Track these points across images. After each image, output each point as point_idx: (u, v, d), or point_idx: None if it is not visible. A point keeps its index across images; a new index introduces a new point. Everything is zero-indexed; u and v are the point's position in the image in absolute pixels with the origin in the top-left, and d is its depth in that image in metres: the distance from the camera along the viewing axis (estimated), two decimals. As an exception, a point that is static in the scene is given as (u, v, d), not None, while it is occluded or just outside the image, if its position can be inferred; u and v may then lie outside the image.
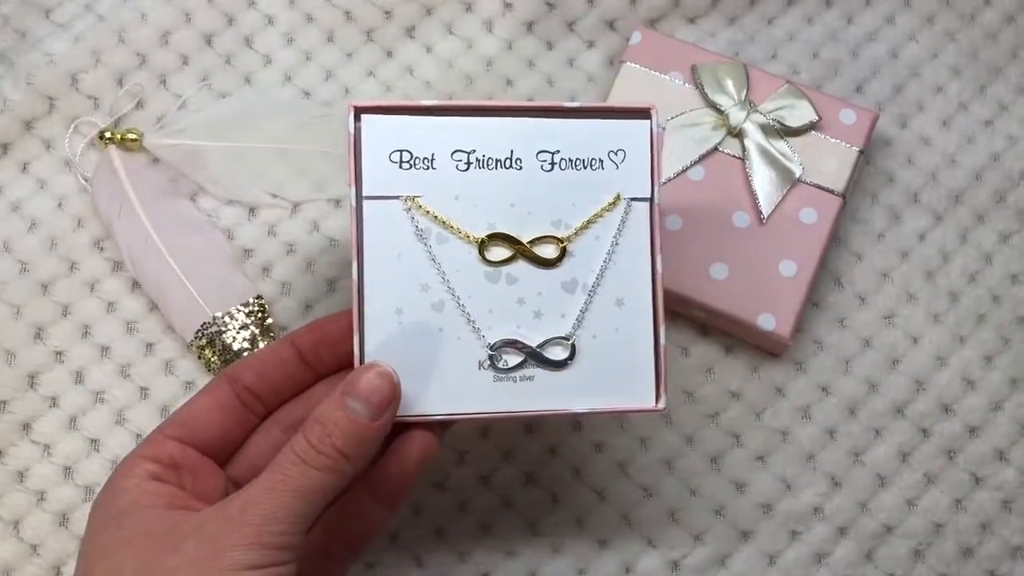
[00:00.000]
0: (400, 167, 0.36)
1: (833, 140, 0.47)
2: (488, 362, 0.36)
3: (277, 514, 0.31)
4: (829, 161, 0.47)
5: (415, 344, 0.36)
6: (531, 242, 0.37)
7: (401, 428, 0.35)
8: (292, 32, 0.51)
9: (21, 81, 0.48)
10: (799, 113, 0.47)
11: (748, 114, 0.46)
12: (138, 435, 0.45)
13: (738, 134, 0.47)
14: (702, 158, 0.46)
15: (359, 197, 0.36)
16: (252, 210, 0.48)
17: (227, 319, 0.45)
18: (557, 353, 0.36)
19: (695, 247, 0.45)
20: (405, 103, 0.37)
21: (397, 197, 0.36)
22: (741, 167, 0.46)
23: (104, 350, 0.46)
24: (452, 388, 0.36)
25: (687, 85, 0.48)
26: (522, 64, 0.51)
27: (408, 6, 0.51)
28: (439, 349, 0.36)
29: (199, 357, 0.45)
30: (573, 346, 0.37)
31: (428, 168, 0.37)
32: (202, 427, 0.36)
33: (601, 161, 0.37)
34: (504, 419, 0.37)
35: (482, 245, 0.36)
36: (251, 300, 0.46)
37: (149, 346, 0.46)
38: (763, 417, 0.46)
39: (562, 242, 0.37)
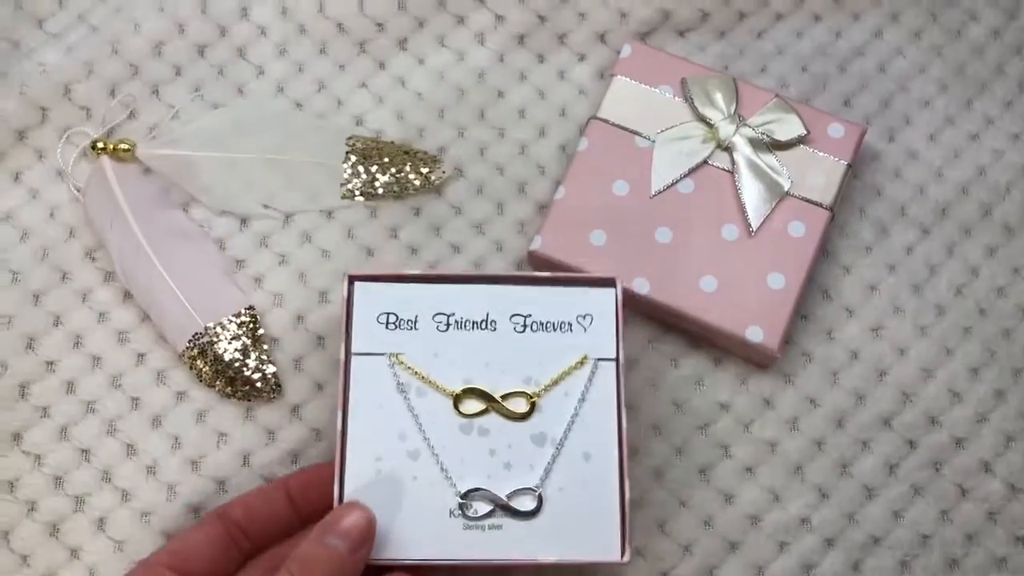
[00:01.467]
0: (387, 327, 0.41)
1: (821, 154, 0.47)
2: (459, 510, 0.39)
3: None
4: (817, 175, 0.47)
5: (391, 490, 0.39)
6: (503, 397, 0.40)
7: (375, 571, 0.37)
8: (285, 43, 0.51)
9: (14, 91, 0.48)
10: (788, 127, 0.47)
11: (737, 128, 0.47)
12: (129, 445, 0.45)
13: (727, 147, 0.47)
14: (692, 171, 0.47)
15: (348, 353, 0.40)
16: (244, 220, 0.48)
17: (219, 329, 0.45)
18: (525, 503, 0.39)
19: (685, 260, 0.45)
20: (394, 273, 0.41)
21: (382, 354, 0.40)
22: (730, 180, 0.47)
23: (96, 360, 0.46)
24: (423, 534, 0.39)
25: (677, 98, 0.48)
26: (514, 76, 0.52)
27: (400, 18, 0.52)
28: (413, 496, 0.39)
29: (191, 367, 0.45)
30: (540, 497, 0.39)
31: (411, 328, 0.41)
32: (194, 559, 0.38)
33: (570, 324, 0.41)
34: (472, 566, 0.39)
35: (457, 399, 0.40)
36: (243, 311, 0.46)
37: (141, 356, 0.46)
38: (751, 428, 0.46)
39: (532, 397, 0.40)
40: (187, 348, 0.45)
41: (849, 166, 0.47)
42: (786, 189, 0.46)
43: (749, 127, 0.47)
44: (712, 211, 0.46)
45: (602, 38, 0.52)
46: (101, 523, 0.44)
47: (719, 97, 0.48)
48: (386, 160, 0.49)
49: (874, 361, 0.47)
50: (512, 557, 0.39)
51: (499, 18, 0.52)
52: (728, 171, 0.47)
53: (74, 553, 0.43)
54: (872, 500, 0.45)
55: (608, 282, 0.41)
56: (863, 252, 0.49)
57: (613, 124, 0.48)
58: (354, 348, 0.40)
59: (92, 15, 0.50)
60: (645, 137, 0.47)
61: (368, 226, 0.48)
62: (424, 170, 0.49)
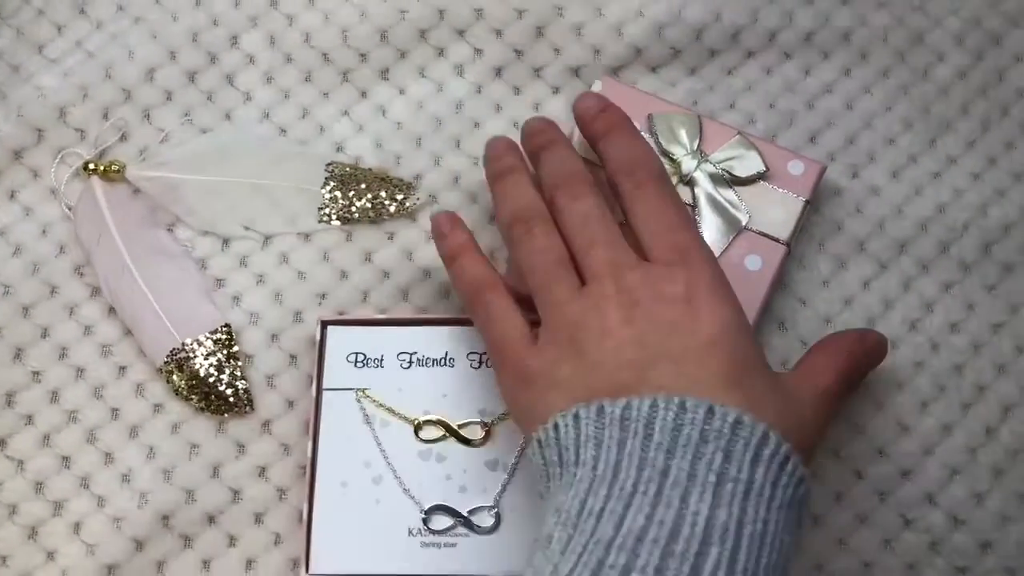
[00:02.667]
0: (355, 366, 0.46)
1: (781, 190, 0.49)
2: (420, 525, 0.43)
3: None
4: (776, 210, 0.49)
5: (356, 512, 0.44)
6: (460, 425, 0.45)
7: None
8: (271, 71, 0.54)
9: (12, 113, 0.51)
10: (748, 163, 0.49)
11: (699, 163, 0.49)
12: (107, 454, 0.47)
13: (689, 182, 0.49)
14: None
15: (319, 389, 0.46)
16: (226, 241, 0.51)
17: (195, 346, 0.47)
18: (484, 520, 0.43)
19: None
20: (363, 317, 0.47)
21: (351, 389, 0.46)
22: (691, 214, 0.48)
23: (79, 371, 0.48)
24: (383, 551, 0.43)
25: (644, 134, 0.49)
26: (490, 107, 0.53)
27: (383, 50, 0.54)
28: (376, 517, 0.44)
29: (167, 381, 0.47)
30: (498, 515, 0.43)
31: (378, 366, 0.46)
32: None
33: None
34: None
35: (417, 427, 0.45)
36: (219, 328, 0.48)
37: (122, 369, 0.48)
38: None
39: (487, 426, 0.45)
40: (165, 363, 0.47)
41: (807, 203, 0.49)
42: (744, 223, 0.48)
43: (710, 163, 0.49)
44: None
45: (576, 72, 0.54)
46: (76, 528, 0.46)
47: (683, 133, 0.49)
48: (363, 186, 0.51)
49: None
50: (469, 571, 0.42)
51: (477, 51, 0.54)
52: (690, 205, 0.49)
53: (50, 556, 0.46)
54: (819, 527, 0.47)
55: None
56: (820, 286, 0.50)
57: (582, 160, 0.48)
58: (325, 384, 0.46)
59: (88, 42, 0.53)
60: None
61: (343, 249, 0.50)
62: (399, 196, 0.51)
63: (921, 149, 0.53)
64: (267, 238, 0.51)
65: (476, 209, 0.52)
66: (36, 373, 0.48)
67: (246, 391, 0.47)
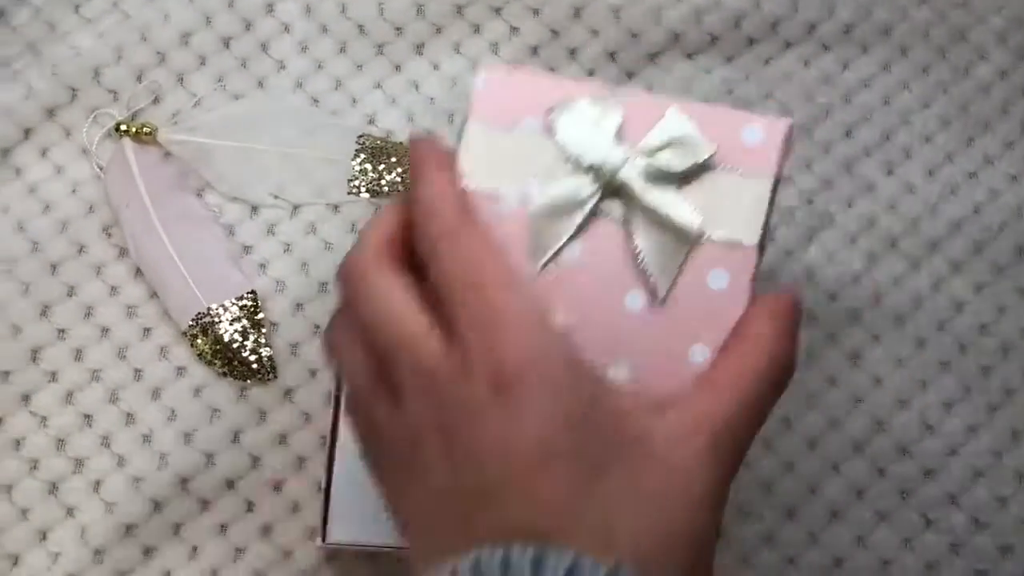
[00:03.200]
0: None
1: (736, 174, 0.35)
2: None
3: None
4: (734, 203, 0.35)
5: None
6: None
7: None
8: (306, 41, 0.53)
9: (47, 71, 0.51)
10: (689, 150, 0.35)
11: (625, 160, 0.35)
12: (129, 414, 0.47)
13: (616, 191, 0.35)
14: (578, 230, 0.35)
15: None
16: (254, 209, 0.50)
17: (220, 311, 0.47)
18: None
19: (587, 348, 0.32)
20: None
21: None
22: (624, 232, 0.35)
23: (104, 331, 0.48)
24: None
25: (545, 136, 0.36)
26: (524, 86, 0.53)
27: (419, 24, 0.53)
28: None
29: (191, 345, 0.47)
30: None
31: None
32: None
33: None
34: None
35: None
36: (245, 295, 0.48)
37: (146, 331, 0.48)
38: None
39: None
40: (190, 326, 0.47)
41: (776, 181, 0.35)
42: (695, 232, 0.35)
43: (642, 155, 0.35)
44: (609, 278, 0.35)
45: (612, 56, 0.53)
46: (96, 486, 0.46)
47: (597, 123, 0.35)
48: (393, 160, 0.51)
49: (830, 410, 0.48)
50: None
51: (514, 29, 0.54)
52: (622, 219, 0.35)
53: (69, 512, 0.46)
54: (837, 521, 0.47)
55: None
56: (851, 282, 0.50)
57: (473, 188, 0.34)
58: None
59: (125, 2, 0.53)
60: (513, 198, 0.35)
61: (372, 222, 0.50)
62: (429, 172, 0.51)
63: (958, 148, 0.53)
64: (295, 207, 0.51)
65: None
66: (61, 331, 0.48)
67: (270, 358, 0.47)
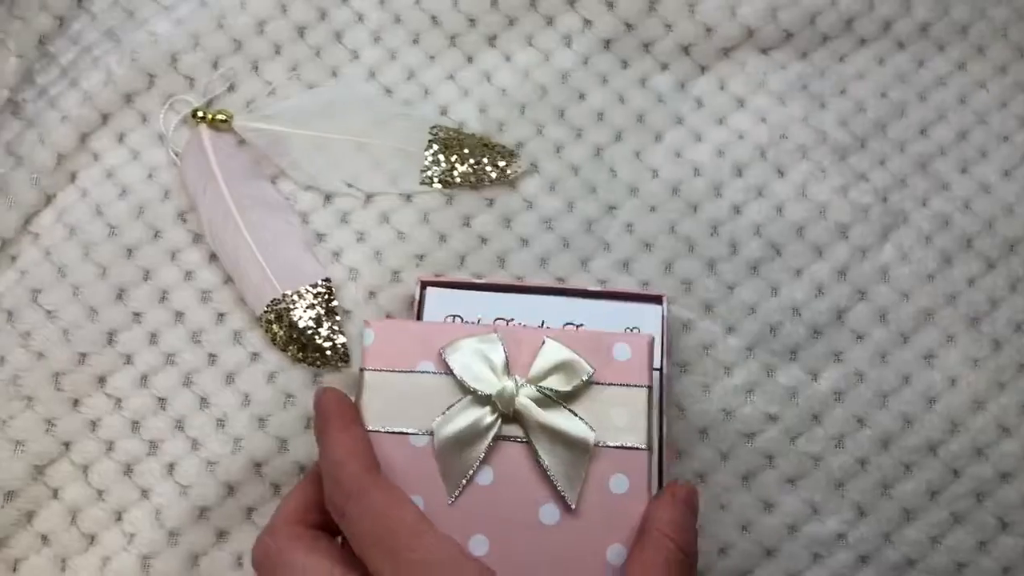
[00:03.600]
0: None
1: (614, 387, 0.39)
2: None
3: None
4: (619, 413, 0.39)
5: None
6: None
7: None
8: (380, 31, 0.54)
9: (126, 57, 0.52)
10: (570, 372, 0.39)
11: (517, 389, 0.38)
12: (203, 398, 0.48)
13: (514, 415, 0.38)
14: (485, 457, 0.38)
15: None
16: (328, 197, 0.51)
17: (296, 298, 0.48)
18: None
19: (511, 567, 0.37)
20: (461, 279, 0.47)
21: None
22: (528, 452, 0.38)
23: (179, 315, 0.49)
24: None
25: (441, 374, 0.39)
26: (596, 80, 0.53)
27: (492, 16, 0.53)
28: None
29: (266, 331, 0.48)
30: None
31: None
32: (314, 512, 0.37)
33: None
34: None
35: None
36: (320, 282, 0.48)
37: (220, 316, 0.49)
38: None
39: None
40: (265, 312, 0.48)
41: (649, 388, 0.39)
42: (591, 443, 0.38)
43: (529, 385, 0.38)
44: (522, 496, 0.38)
45: (686, 50, 0.53)
46: (171, 468, 0.47)
47: (484, 360, 0.39)
48: (466, 151, 0.51)
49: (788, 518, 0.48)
50: None
51: (587, 22, 0.54)
52: (524, 441, 0.38)
53: (144, 493, 0.46)
54: (911, 522, 0.46)
55: (656, 299, 0.46)
56: (925, 279, 0.49)
57: (381, 431, 0.38)
58: None
59: (203, -9, 0.53)
60: (420, 434, 0.38)
61: (443, 212, 0.50)
62: (501, 163, 0.51)
63: (1036, 148, 0.52)
64: (369, 196, 0.51)
65: (575, 181, 0.51)
66: (137, 314, 0.49)
67: (344, 346, 0.47)
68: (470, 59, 0.54)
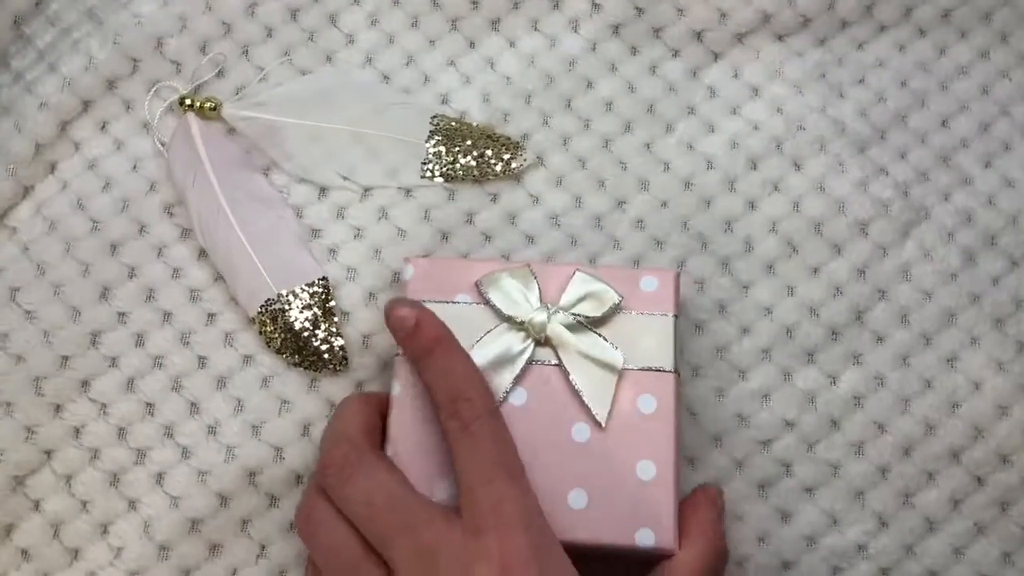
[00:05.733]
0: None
1: (643, 315, 0.42)
2: None
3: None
4: (647, 339, 0.42)
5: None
6: None
7: None
8: (377, 13, 0.51)
9: (108, 40, 0.49)
10: (599, 300, 0.42)
11: (549, 316, 0.41)
12: (192, 403, 0.45)
13: (546, 341, 0.42)
14: (518, 379, 0.41)
15: None
16: (323, 190, 0.48)
17: (291, 298, 0.45)
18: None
19: (545, 482, 0.40)
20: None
21: None
22: (561, 374, 0.41)
23: (166, 315, 0.46)
24: None
25: (478, 305, 0.42)
26: (604, 67, 0.51)
27: (496, -2, 0.51)
28: None
29: (260, 332, 0.45)
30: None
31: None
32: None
33: None
34: None
35: None
36: (316, 281, 0.46)
37: (211, 316, 0.46)
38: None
39: None
40: (259, 313, 0.45)
41: (676, 317, 0.42)
42: (619, 365, 0.41)
43: (561, 311, 0.42)
44: (555, 415, 0.41)
45: (699, 36, 0.51)
46: (160, 478, 0.44)
47: (520, 290, 0.42)
48: (469, 143, 0.48)
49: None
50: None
51: (595, 6, 0.51)
52: (556, 364, 0.41)
53: (132, 504, 0.44)
54: (933, 533, 0.44)
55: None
56: (949, 278, 0.47)
57: None
58: None
59: (190, -30, 0.50)
60: None
61: (445, 208, 0.48)
62: (506, 156, 0.48)
63: (1061, 141, 0.50)
64: (366, 190, 0.48)
65: (583, 175, 0.49)
66: (122, 314, 0.46)
67: (342, 348, 0.45)
68: (472, 44, 0.51)
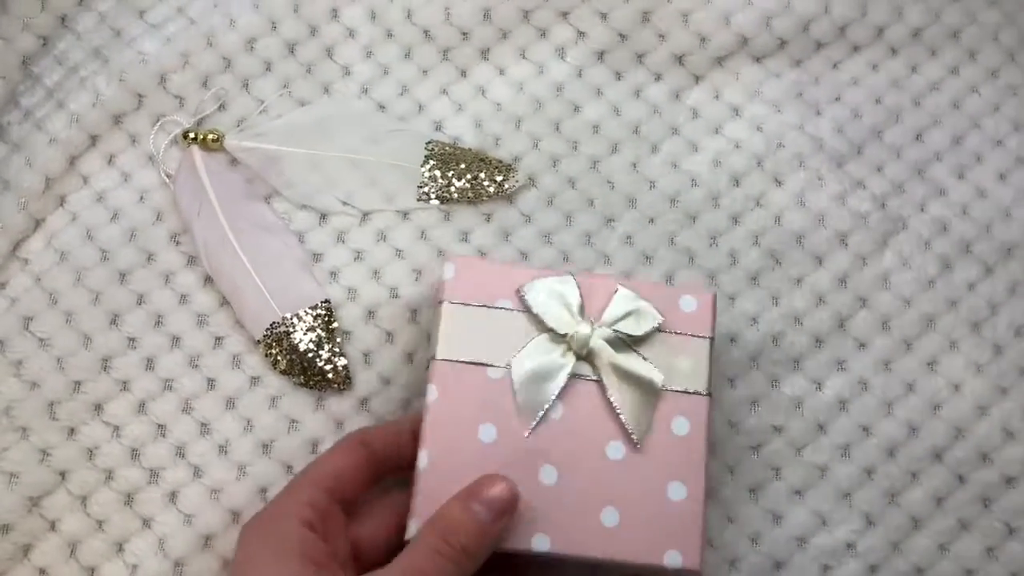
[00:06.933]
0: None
1: (681, 335, 0.43)
2: None
3: None
4: (683, 360, 0.42)
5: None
6: None
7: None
8: (371, 46, 0.53)
9: (114, 77, 0.51)
10: (643, 319, 0.42)
11: (592, 331, 0.42)
12: (203, 424, 0.47)
13: (587, 355, 0.42)
14: (559, 396, 0.41)
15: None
16: (323, 216, 0.50)
17: (295, 320, 0.47)
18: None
19: (579, 498, 0.41)
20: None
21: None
22: (599, 391, 0.41)
23: (175, 340, 0.48)
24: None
25: (519, 312, 0.42)
26: (590, 92, 0.53)
27: (485, 29, 0.53)
28: None
29: (266, 354, 0.47)
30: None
31: None
32: (347, 485, 0.40)
33: None
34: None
35: None
36: (319, 303, 0.48)
37: (218, 339, 0.48)
38: (804, 452, 0.47)
39: None
40: (264, 336, 0.47)
41: (711, 340, 0.43)
42: (659, 386, 0.42)
43: (605, 327, 0.42)
44: (592, 432, 0.41)
45: (680, 60, 0.53)
46: (173, 496, 0.46)
47: (562, 301, 0.42)
48: (463, 166, 0.50)
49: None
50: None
51: (581, 34, 0.53)
52: (595, 380, 0.42)
53: (146, 523, 0.45)
54: (918, 530, 0.46)
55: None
56: (926, 286, 0.50)
57: (458, 361, 0.42)
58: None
59: (190, 8, 0.52)
60: (497, 366, 0.41)
61: (441, 228, 0.50)
62: (498, 178, 0.50)
63: (1030, 151, 0.52)
64: (365, 214, 0.50)
65: (572, 194, 0.51)
66: (132, 339, 0.48)
67: (345, 367, 0.47)
68: (464, 73, 0.53)
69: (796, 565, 0.46)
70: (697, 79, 0.53)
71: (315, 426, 0.46)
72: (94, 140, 0.50)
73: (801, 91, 0.53)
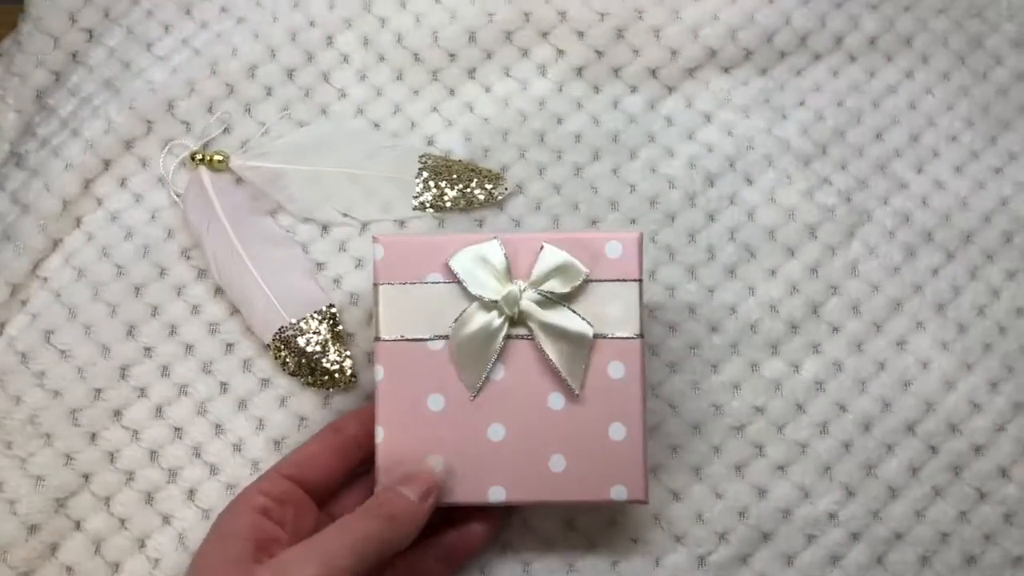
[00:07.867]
0: None
1: (609, 283, 0.44)
2: None
3: (339, 551, 0.38)
4: (613, 306, 0.44)
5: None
6: None
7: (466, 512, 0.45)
8: (365, 70, 0.57)
9: (124, 106, 0.54)
10: (569, 275, 0.44)
11: (520, 293, 0.44)
12: (217, 425, 0.49)
13: (519, 316, 0.44)
14: (498, 357, 0.44)
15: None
16: (325, 228, 0.53)
17: (302, 324, 0.50)
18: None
19: (527, 450, 0.44)
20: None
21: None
22: (534, 347, 0.44)
23: (189, 348, 0.51)
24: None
25: (449, 283, 0.44)
26: (571, 105, 0.56)
27: (470, 50, 0.57)
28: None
29: (275, 357, 0.50)
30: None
31: None
32: (312, 470, 0.44)
33: None
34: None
35: None
36: (324, 308, 0.51)
37: (229, 346, 0.51)
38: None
39: None
40: (273, 340, 0.50)
41: (639, 282, 0.44)
42: (590, 337, 0.44)
43: (532, 289, 0.44)
44: (533, 387, 0.44)
45: (654, 73, 0.57)
46: (191, 494, 0.48)
47: (487, 266, 0.44)
48: (455, 176, 0.54)
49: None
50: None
51: (560, 52, 0.57)
52: (529, 338, 0.44)
53: (166, 519, 0.48)
54: (895, 498, 0.49)
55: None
56: (892, 272, 0.53)
57: (399, 340, 0.44)
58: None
59: (195, 39, 0.56)
60: (435, 338, 0.44)
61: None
62: (488, 186, 0.54)
63: (983, 146, 0.56)
64: (365, 224, 0.53)
65: (558, 199, 0.54)
66: (148, 349, 0.51)
67: (351, 367, 0.50)
68: (452, 92, 0.57)
69: (782, 535, 0.48)
70: (670, 90, 0.57)
71: (323, 422, 0.49)
72: (107, 164, 0.54)
73: (768, 97, 0.56)
